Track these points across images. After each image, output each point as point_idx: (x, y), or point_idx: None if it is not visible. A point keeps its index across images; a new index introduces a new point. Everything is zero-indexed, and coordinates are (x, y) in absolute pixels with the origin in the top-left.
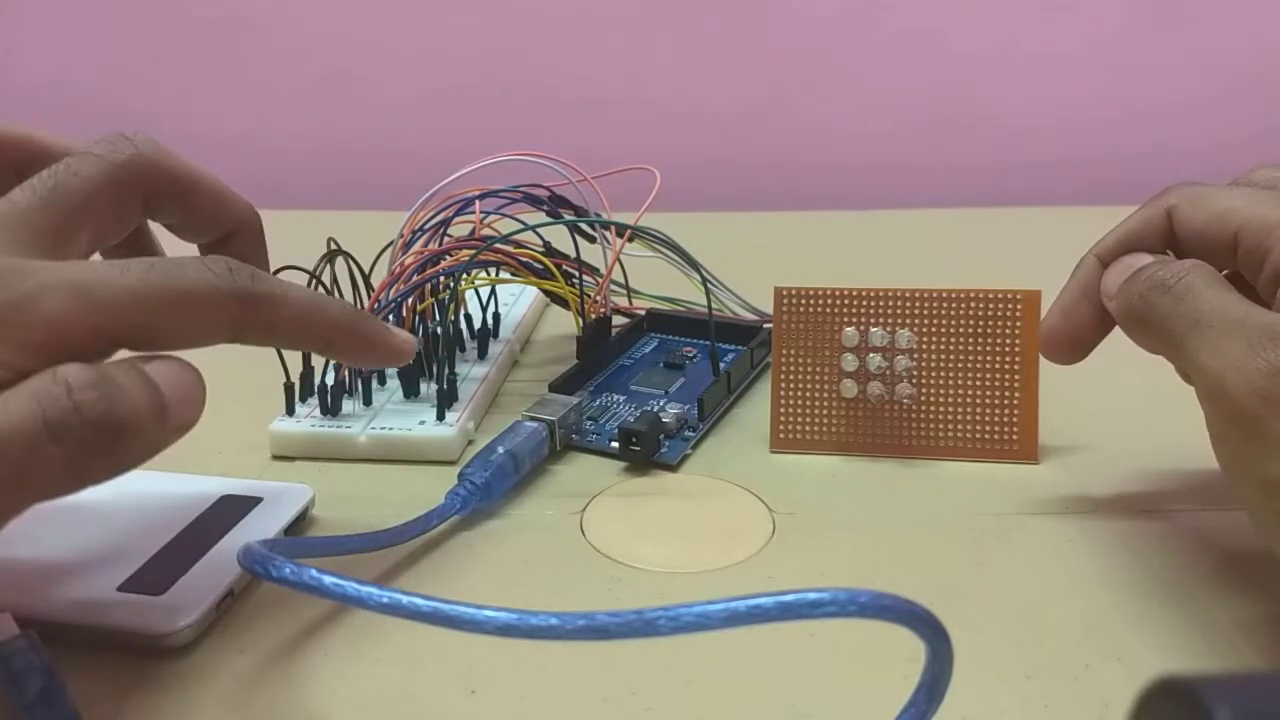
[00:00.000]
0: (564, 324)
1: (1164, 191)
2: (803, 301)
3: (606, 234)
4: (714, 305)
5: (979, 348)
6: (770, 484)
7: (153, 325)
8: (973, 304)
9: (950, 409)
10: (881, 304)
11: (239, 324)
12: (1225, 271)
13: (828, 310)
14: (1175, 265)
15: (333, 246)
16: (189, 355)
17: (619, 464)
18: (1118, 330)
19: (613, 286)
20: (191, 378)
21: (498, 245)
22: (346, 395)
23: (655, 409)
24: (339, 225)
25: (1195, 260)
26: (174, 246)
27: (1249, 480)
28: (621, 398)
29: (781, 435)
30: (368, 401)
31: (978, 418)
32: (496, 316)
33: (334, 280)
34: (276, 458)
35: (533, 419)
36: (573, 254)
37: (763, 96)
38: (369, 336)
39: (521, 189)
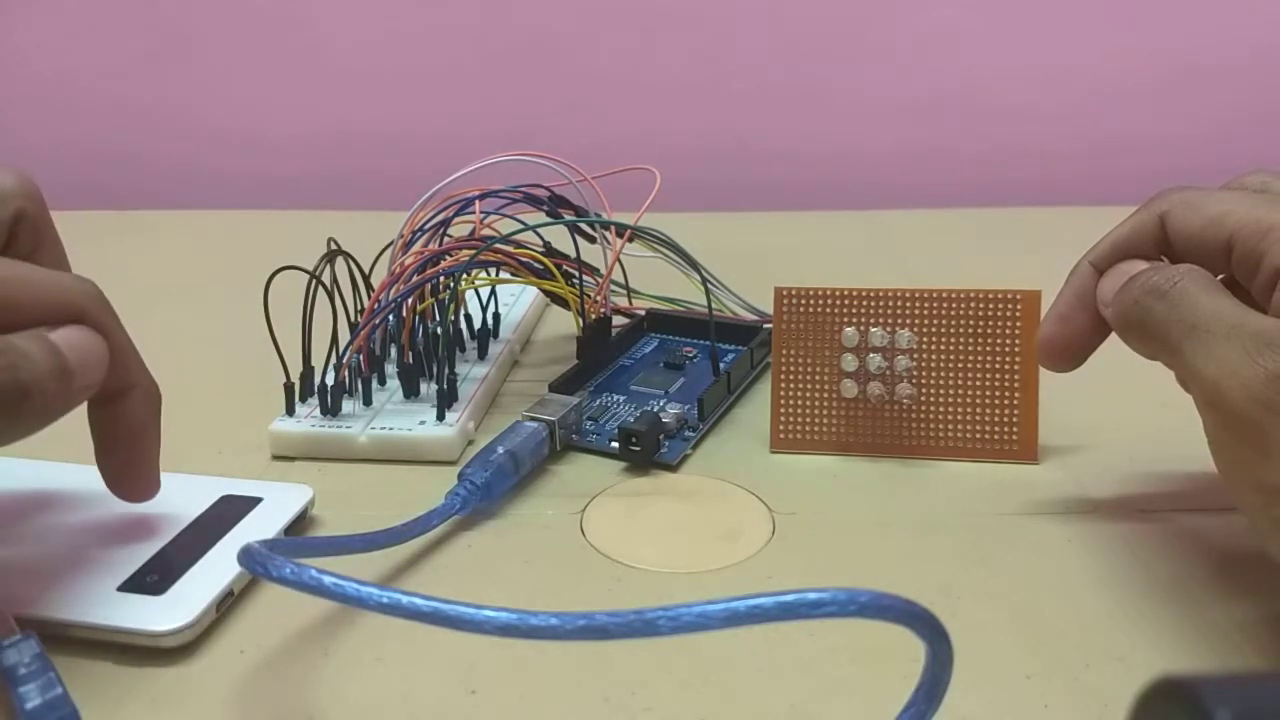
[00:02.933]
0: (564, 324)
1: (1156, 197)
2: (803, 301)
3: (606, 234)
4: (714, 305)
5: (979, 348)
6: (770, 484)
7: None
8: (973, 304)
9: (950, 409)
10: (881, 304)
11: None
12: (1220, 276)
13: (828, 310)
14: (1170, 270)
15: (333, 246)
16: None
17: (619, 464)
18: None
19: (613, 286)
20: (93, 342)
21: (498, 245)
22: (346, 395)
23: (655, 409)
24: (339, 225)
25: (1190, 265)
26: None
27: (1247, 486)
28: (621, 398)
29: (781, 435)
30: (368, 401)
31: (978, 418)
32: (496, 316)
33: (334, 280)
34: (276, 458)
35: (533, 419)
36: (573, 254)
37: (765, 94)
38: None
39: (521, 189)
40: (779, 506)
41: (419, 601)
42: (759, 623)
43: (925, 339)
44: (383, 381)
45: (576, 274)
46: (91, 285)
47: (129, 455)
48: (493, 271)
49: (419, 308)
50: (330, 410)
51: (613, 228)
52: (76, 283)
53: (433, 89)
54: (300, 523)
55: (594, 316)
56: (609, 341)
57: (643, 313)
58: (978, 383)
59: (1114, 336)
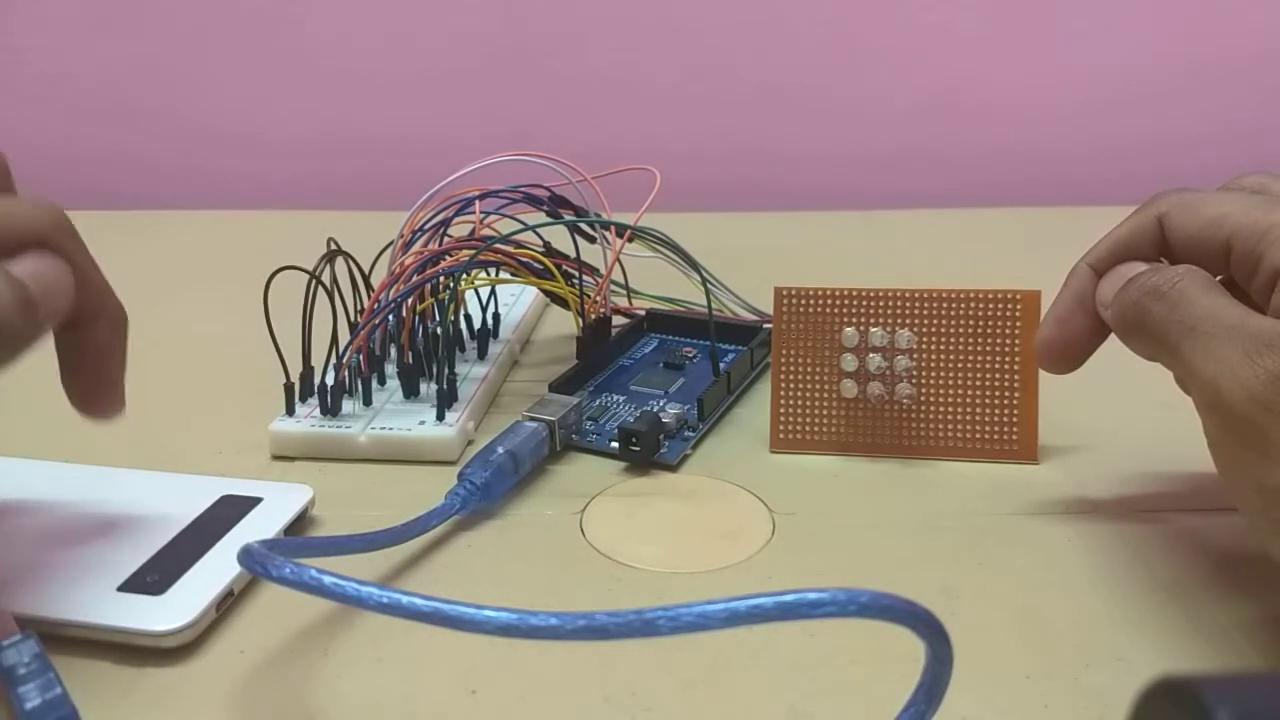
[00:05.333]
0: (564, 324)
1: (1154, 199)
2: (803, 301)
3: (606, 234)
4: (714, 305)
5: (979, 348)
6: (770, 484)
7: None
8: (973, 304)
9: (950, 409)
10: (881, 304)
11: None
12: (1219, 277)
13: (828, 310)
14: (1169, 271)
15: (333, 246)
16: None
17: (619, 464)
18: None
19: (613, 286)
20: (57, 269)
21: (498, 245)
22: (346, 395)
23: (655, 409)
24: (339, 225)
25: (1189, 266)
26: None
27: (1247, 487)
28: (621, 398)
29: (781, 435)
30: (368, 401)
31: (978, 418)
32: (496, 316)
33: (334, 280)
34: (276, 458)
35: (533, 419)
36: (573, 254)
37: (761, 98)
38: (114, 362)
39: (521, 189)
40: (779, 506)
41: (419, 601)
42: (759, 623)
43: (925, 339)
44: (383, 381)
45: (576, 274)
46: (54, 210)
47: (94, 378)
48: (493, 271)
49: (419, 308)
50: (330, 410)
51: (613, 228)
52: (35, 209)
53: (433, 89)
54: (300, 523)
55: (594, 316)
56: (609, 341)
57: (643, 313)
58: (977, 383)
59: (1114, 337)
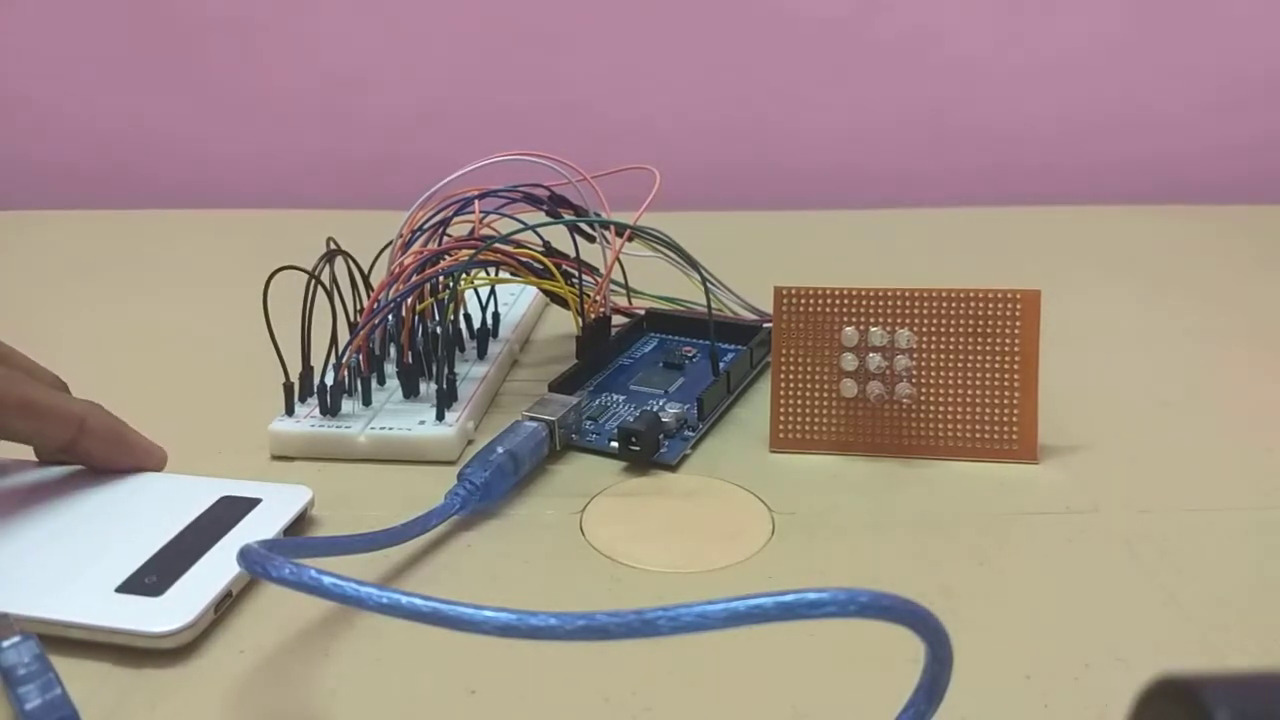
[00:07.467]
0: (564, 324)
1: None
2: (803, 301)
3: (606, 234)
4: (714, 305)
5: (979, 348)
6: (770, 484)
7: None
8: (973, 304)
9: (950, 409)
10: (881, 304)
11: None
12: None
13: (828, 310)
14: None
15: (333, 246)
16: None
17: (619, 464)
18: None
19: (612, 286)
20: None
21: (497, 245)
22: (346, 395)
23: (655, 409)
24: (339, 225)
25: None
26: None
27: None
28: (621, 398)
29: (781, 435)
30: (367, 401)
31: (978, 418)
32: (496, 316)
33: (333, 280)
34: (276, 458)
35: (532, 419)
36: (572, 254)
37: (760, 98)
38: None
39: (521, 189)
40: (779, 506)
41: (419, 601)
42: (759, 623)
43: (925, 339)
44: (382, 381)
45: (576, 274)
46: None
47: (125, 448)
48: (492, 271)
49: (418, 307)
50: (330, 410)
51: (612, 227)
52: (82, 404)
53: (433, 88)
54: (300, 523)
55: (593, 316)
56: (608, 341)
57: (642, 312)
58: (978, 383)
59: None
